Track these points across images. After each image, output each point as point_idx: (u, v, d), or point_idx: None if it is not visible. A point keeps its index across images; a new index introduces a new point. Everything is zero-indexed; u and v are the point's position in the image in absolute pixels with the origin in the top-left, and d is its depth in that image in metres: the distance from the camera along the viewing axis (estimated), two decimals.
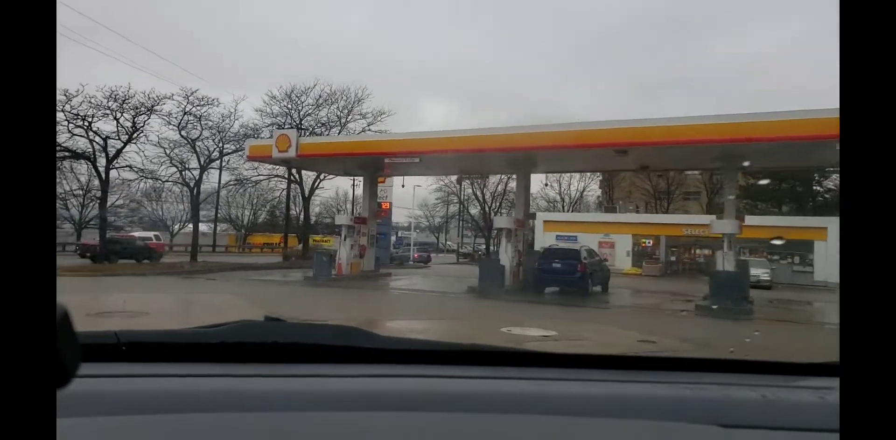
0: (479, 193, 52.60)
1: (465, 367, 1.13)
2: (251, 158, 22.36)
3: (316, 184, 35.16)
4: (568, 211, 55.04)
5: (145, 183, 27.85)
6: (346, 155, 20.18)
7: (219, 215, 54.81)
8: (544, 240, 40.47)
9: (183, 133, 26.25)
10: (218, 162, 29.46)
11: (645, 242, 38.68)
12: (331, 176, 34.10)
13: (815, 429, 0.85)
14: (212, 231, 52.88)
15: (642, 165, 21.92)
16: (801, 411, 0.94)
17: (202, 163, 27.35)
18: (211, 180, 32.82)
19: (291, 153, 20.40)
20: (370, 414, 0.89)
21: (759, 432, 0.89)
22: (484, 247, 66.51)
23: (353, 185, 55.66)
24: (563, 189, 57.00)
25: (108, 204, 35.30)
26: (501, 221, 21.25)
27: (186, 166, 27.75)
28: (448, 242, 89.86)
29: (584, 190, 57.32)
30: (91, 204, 36.24)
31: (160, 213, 53.44)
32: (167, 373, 1.00)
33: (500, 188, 52.22)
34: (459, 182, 52.14)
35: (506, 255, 19.38)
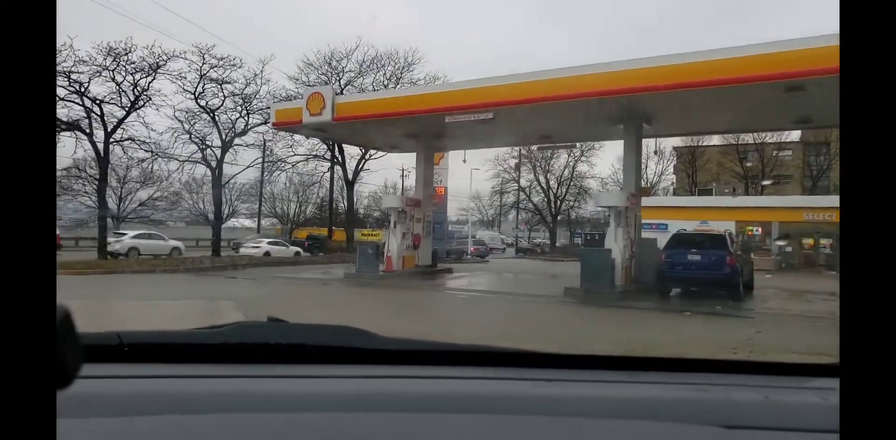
0: (542, 179, 47.18)
1: (467, 368, 1.12)
2: (277, 125, 17.65)
3: (361, 165, 30.21)
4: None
5: (164, 165, 23.14)
6: (394, 115, 15.20)
7: (264, 209, 51.43)
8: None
9: (201, 101, 21.75)
10: (246, 140, 24.84)
11: (751, 230, 32.57)
12: (377, 154, 28.97)
13: (818, 430, 0.84)
14: (256, 225, 49.36)
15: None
16: (803, 412, 0.94)
17: (224, 138, 22.72)
18: (241, 163, 28.43)
19: (326, 116, 15.74)
20: (372, 415, 0.89)
21: (761, 433, 0.89)
22: (542, 240, 61.30)
23: (403, 175, 51.94)
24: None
25: (147, 197, 31.85)
26: (610, 198, 15.92)
27: (208, 144, 23.01)
28: (502, 236, 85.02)
29: (661, 173, 51.03)
30: (129, 195, 32.26)
31: (201, 205, 50.35)
32: (169, 374, 1.01)
33: (566, 172, 46.69)
34: (518, 168, 46.87)
35: (616, 245, 14.19)
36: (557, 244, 49.49)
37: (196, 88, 21.09)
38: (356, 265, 16.75)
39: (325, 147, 28.36)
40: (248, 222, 55.31)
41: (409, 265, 17.47)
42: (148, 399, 0.90)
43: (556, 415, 0.89)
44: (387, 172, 69.28)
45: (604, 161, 66.95)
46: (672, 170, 51.17)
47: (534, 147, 37.61)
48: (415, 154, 19.37)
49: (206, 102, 21.89)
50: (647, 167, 50.20)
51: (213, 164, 22.87)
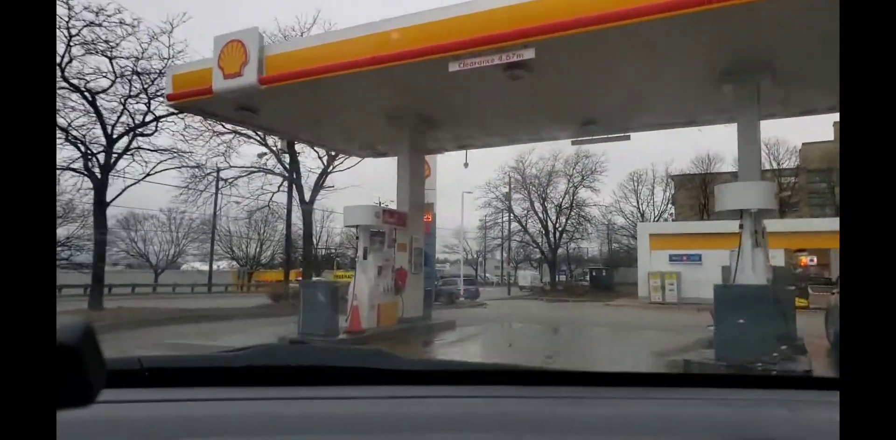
0: (538, 206, 41.36)
1: (488, 387, 1.12)
2: (175, 100, 11.04)
3: (322, 180, 22.99)
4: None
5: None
6: (364, 64, 9.04)
7: (219, 249, 44.54)
8: (651, 261, 29.08)
9: (73, 78, 14.32)
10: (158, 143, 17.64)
11: (805, 259, 26.90)
12: (348, 161, 22.01)
13: None
14: (211, 268, 42.36)
15: None
16: (829, 425, 0.90)
17: (110, 134, 15.12)
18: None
19: (249, 76, 9.59)
20: (394, 435, 0.89)
21: None
22: (536, 276, 55.25)
23: (382, 204, 45.53)
24: (642, 199, 45.43)
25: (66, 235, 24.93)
26: (745, 195, 9.57)
27: (89, 147, 15.17)
28: (487, 275, 78.58)
29: (671, 198, 45.61)
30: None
31: (141, 245, 43.16)
32: (190, 397, 1.00)
33: (566, 199, 41.00)
34: (508, 196, 41.10)
35: (753, 273, 8.22)
36: (563, 280, 43.38)
37: (63, 56, 13.68)
38: (300, 321, 10.26)
39: (278, 155, 21.79)
40: (200, 265, 48.43)
41: (388, 319, 11.14)
42: (169, 423, 0.90)
43: (579, 433, 0.91)
44: (362, 194, 62.67)
45: (606, 186, 61.25)
46: (670, 199, 45.86)
47: (568, 142, 31.58)
48: (396, 160, 13.21)
49: (85, 82, 14.62)
50: (652, 193, 44.96)
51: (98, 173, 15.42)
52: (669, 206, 46.40)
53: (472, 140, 14.53)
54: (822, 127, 43.26)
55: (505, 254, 48.02)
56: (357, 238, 11.25)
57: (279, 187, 24.57)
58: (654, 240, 28.38)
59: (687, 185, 43.85)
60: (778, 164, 41.23)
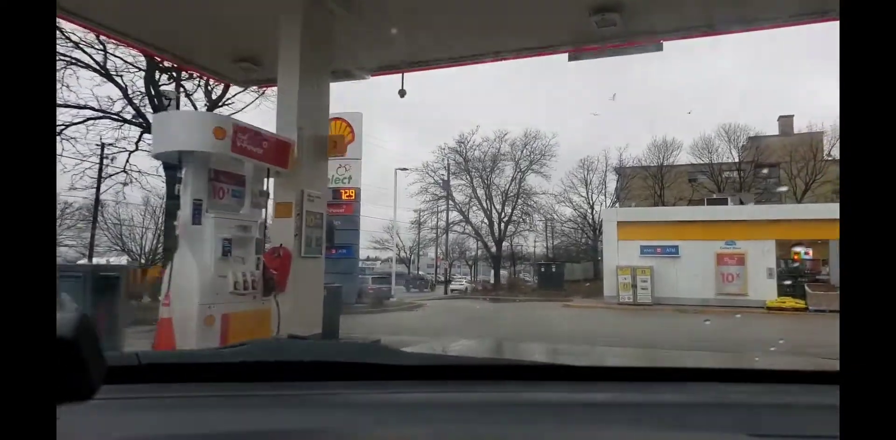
0: (482, 193, 36.46)
1: (490, 383, 1.12)
2: None
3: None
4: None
5: None
6: None
7: (108, 241, 37.13)
8: (619, 254, 24.63)
9: None
10: None
11: (798, 254, 23.10)
12: (239, 97, 16.83)
13: None
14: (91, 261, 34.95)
15: None
16: (830, 419, 0.89)
17: None
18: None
19: None
20: (395, 431, 0.89)
21: None
22: (463, 277, 50.59)
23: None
24: (592, 188, 41.28)
25: None
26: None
27: None
28: (420, 272, 73.45)
29: (616, 192, 41.78)
30: None
31: None
32: (189, 393, 1.01)
33: (512, 187, 36.30)
34: (447, 188, 35.99)
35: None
36: (516, 277, 38.64)
37: None
38: None
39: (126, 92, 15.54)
40: (81, 261, 40.63)
41: (250, 338, 5.63)
42: (167, 419, 0.90)
43: (579, 427, 0.91)
44: None
45: (557, 173, 57.87)
46: (616, 193, 41.71)
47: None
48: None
49: None
50: (604, 184, 40.92)
51: None
52: (620, 197, 42.50)
53: (410, 49, 9.02)
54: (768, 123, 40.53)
55: (440, 250, 42.83)
56: (179, 183, 5.58)
57: (136, 144, 18.25)
58: (622, 228, 23.90)
59: (635, 176, 40.01)
60: (739, 154, 37.97)
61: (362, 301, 21.62)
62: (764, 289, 21.42)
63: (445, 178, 36.18)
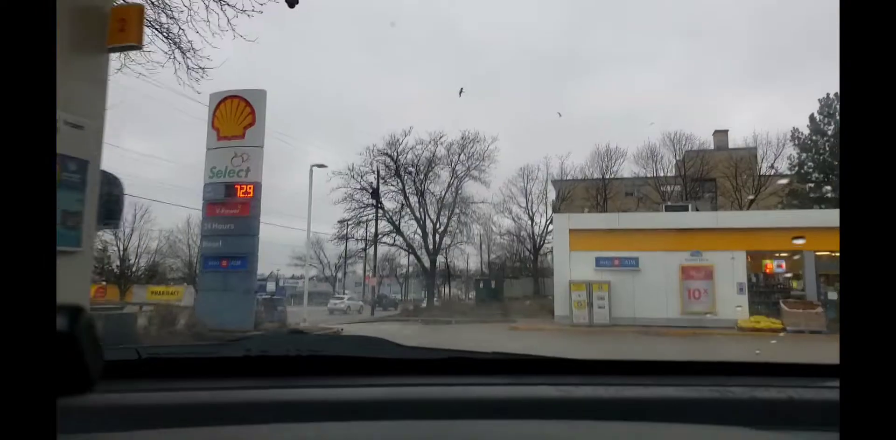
0: (417, 200, 32.74)
1: (488, 376, 1.11)
2: None
3: None
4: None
5: None
6: None
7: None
8: (572, 267, 21.47)
9: None
10: None
11: (770, 265, 20.58)
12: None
13: None
14: None
15: None
16: (828, 411, 0.91)
17: None
18: None
19: None
20: (393, 423, 0.89)
21: (788, 433, 0.91)
22: (395, 294, 46.78)
23: None
24: (533, 199, 38.40)
25: None
26: None
27: None
28: (346, 291, 68.78)
29: (553, 203, 38.96)
30: None
31: None
32: (189, 387, 1.00)
33: (448, 194, 32.83)
34: (376, 196, 32.23)
35: None
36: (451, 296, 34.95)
37: None
38: None
39: None
40: None
41: None
42: (166, 412, 0.89)
43: (582, 419, 0.91)
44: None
45: (497, 180, 53.04)
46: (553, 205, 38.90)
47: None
48: None
49: None
50: (545, 195, 38.16)
51: None
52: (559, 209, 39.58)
53: None
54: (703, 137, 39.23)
55: (369, 266, 38.74)
56: None
57: None
58: (575, 237, 20.78)
59: (576, 186, 37.50)
60: (684, 164, 36.15)
61: (269, 321, 17.42)
62: (734, 306, 18.70)
63: (374, 184, 32.35)
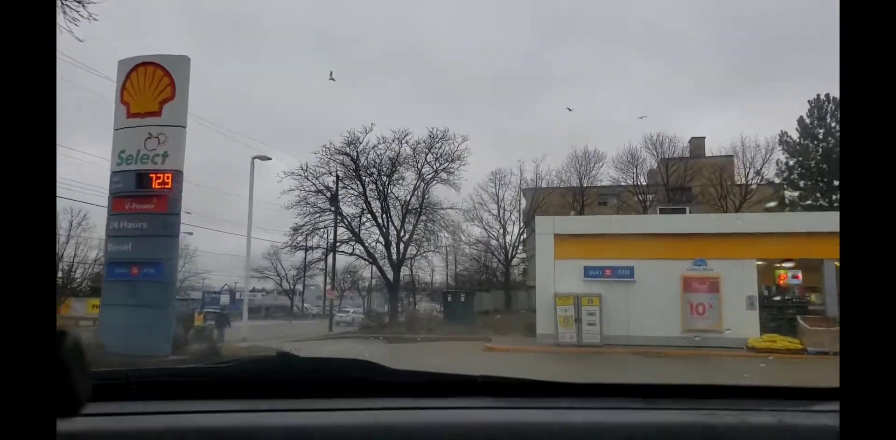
0: (379, 205, 29.60)
1: (477, 399, 1.10)
2: None
3: None
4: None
5: None
6: None
7: None
8: (558, 277, 18.66)
9: None
10: None
11: (784, 275, 18.06)
12: None
13: None
14: None
15: None
16: (818, 435, 0.94)
17: None
18: None
19: None
20: None
21: None
22: (354, 309, 43.62)
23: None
24: (505, 206, 35.58)
25: None
26: None
27: None
28: (305, 305, 64.76)
29: (525, 213, 36.18)
30: None
31: None
32: (177, 410, 0.98)
33: (416, 196, 29.79)
34: (334, 202, 29.05)
35: None
36: (412, 308, 31.69)
37: None
38: None
39: None
40: None
41: None
42: (154, 436, 0.88)
43: None
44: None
45: (468, 185, 47.90)
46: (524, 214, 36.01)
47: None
48: None
49: None
50: (518, 202, 35.45)
51: None
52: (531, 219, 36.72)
53: None
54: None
55: (329, 278, 35.26)
56: None
57: None
58: (561, 243, 17.99)
59: (550, 193, 34.94)
60: (667, 169, 33.96)
61: (181, 351, 14.04)
62: (744, 323, 16.12)
63: (331, 187, 29.13)
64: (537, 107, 57.12)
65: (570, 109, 33.14)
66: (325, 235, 30.37)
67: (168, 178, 13.26)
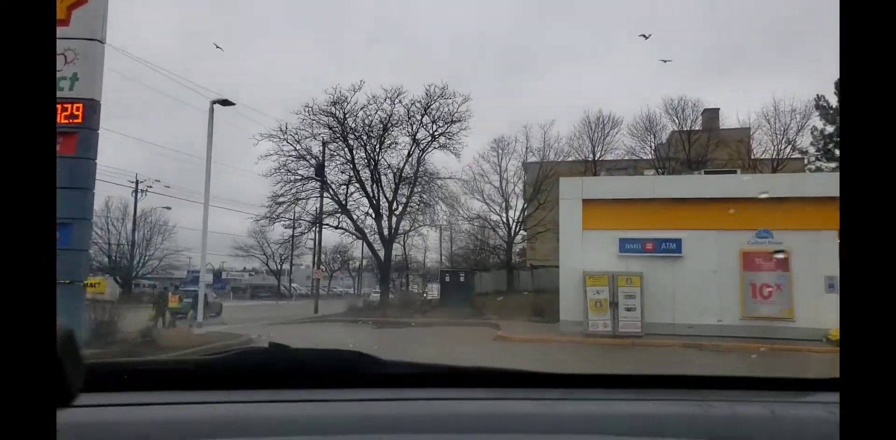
0: (369, 174, 26.04)
1: (468, 390, 1.10)
2: None
3: None
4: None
5: None
6: None
7: None
8: (586, 251, 15.33)
9: None
10: None
11: None
12: None
13: None
14: None
15: None
16: (810, 426, 0.94)
17: None
18: None
19: None
20: (374, 437, 0.89)
21: None
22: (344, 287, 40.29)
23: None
24: (508, 178, 32.05)
25: None
26: None
27: None
28: (293, 285, 61.32)
29: (525, 189, 32.58)
30: None
31: None
32: (171, 400, 0.99)
33: (410, 163, 26.24)
34: (320, 172, 25.52)
35: None
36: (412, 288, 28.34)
37: None
38: None
39: None
40: None
41: None
42: (147, 427, 0.89)
43: (563, 434, 0.90)
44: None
45: (469, 149, 43.12)
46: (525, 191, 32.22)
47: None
48: None
49: None
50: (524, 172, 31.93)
51: None
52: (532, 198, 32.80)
53: None
54: None
55: (316, 259, 31.77)
56: None
57: None
58: (591, 210, 14.63)
59: (552, 170, 31.23)
60: (689, 136, 30.56)
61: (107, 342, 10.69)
62: (821, 310, 12.86)
63: (314, 153, 25.57)
64: (550, 73, 53.16)
65: (644, 36, 28.36)
66: (306, 207, 26.84)
67: (79, 109, 9.75)
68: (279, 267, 59.73)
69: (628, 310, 13.62)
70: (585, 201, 14.72)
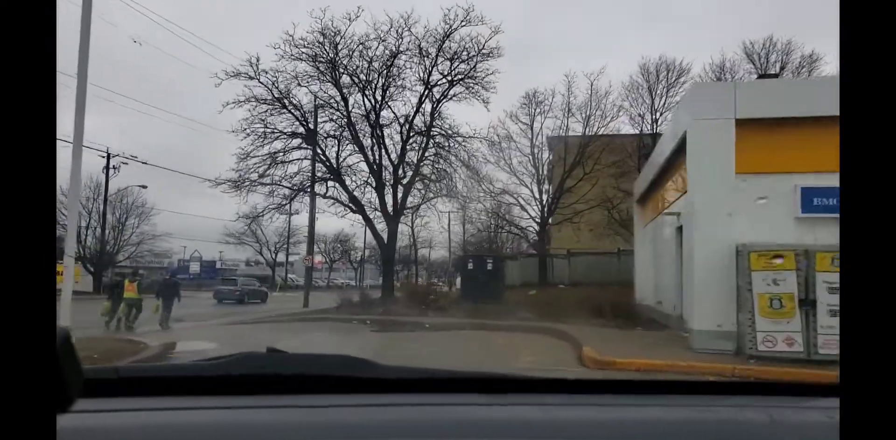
0: (369, 129, 19.81)
1: (468, 395, 1.10)
2: None
3: None
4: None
5: None
6: None
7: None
8: (740, 212, 8.92)
9: None
10: None
11: None
12: None
13: None
14: None
15: None
16: (809, 431, 0.94)
17: None
18: None
19: None
20: None
21: None
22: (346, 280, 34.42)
23: None
24: (542, 142, 25.67)
25: None
26: None
27: None
28: (291, 276, 55.16)
29: (548, 163, 25.98)
30: None
31: None
32: (169, 406, 0.99)
33: (421, 117, 19.99)
34: (312, 138, 19.35)
35: None
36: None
37: None
38: None
39: None
40: None
41: None
42: (145, 432, 0.89)
43: (562, 439, 0.89)
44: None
45: (500, 98, 37.87)
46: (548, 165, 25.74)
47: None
48: None
49: None
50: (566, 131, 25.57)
51: None
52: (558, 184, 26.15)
53: None
54: None
55: (309, 244, 25.58)
56: None
57: None
58: (747, 139, 8.42)
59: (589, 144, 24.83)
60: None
61: None
62: None
63: (296, 99, 19.43)
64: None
65: None
66: (287, 170, 20.66)
67: None
68: (273, 256, 53.83)
69: (832, 313, 7.46)
70: (741, 122, 8.51)
